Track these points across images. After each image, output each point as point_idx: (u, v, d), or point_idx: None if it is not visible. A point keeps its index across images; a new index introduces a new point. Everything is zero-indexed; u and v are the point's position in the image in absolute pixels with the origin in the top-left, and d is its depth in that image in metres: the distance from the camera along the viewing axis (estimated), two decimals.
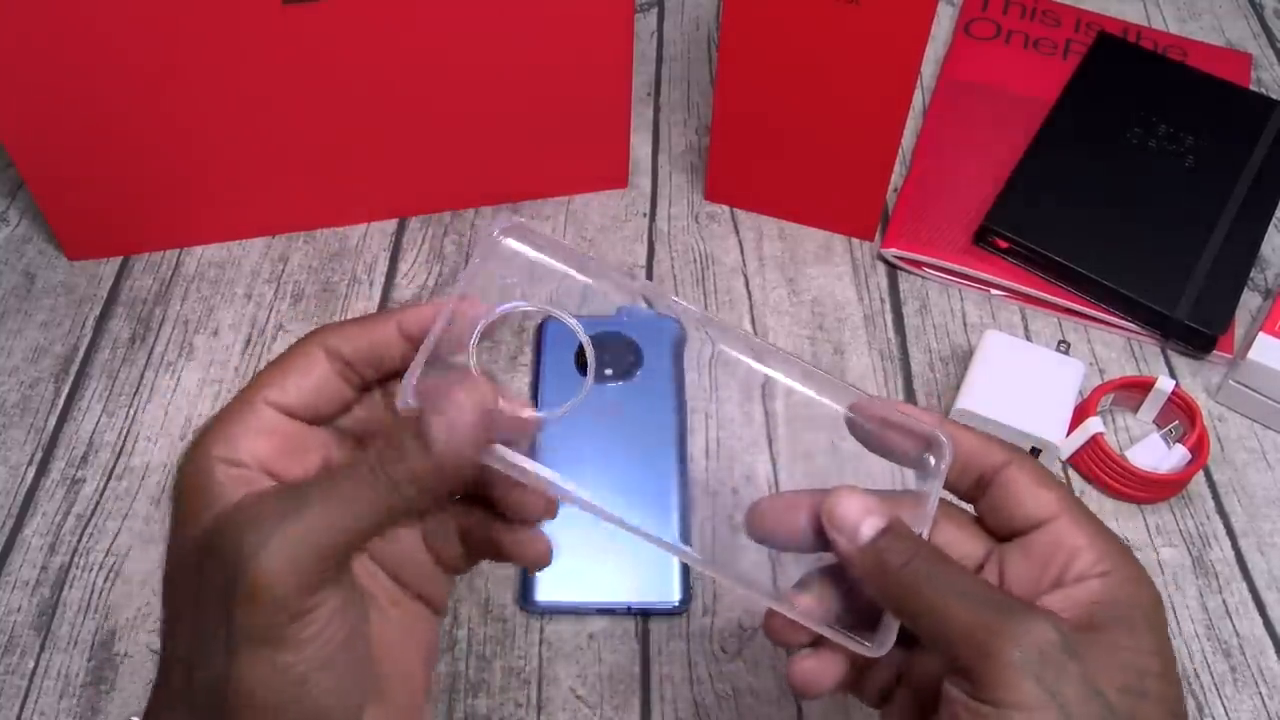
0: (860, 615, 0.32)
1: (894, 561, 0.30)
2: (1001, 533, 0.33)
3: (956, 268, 0.63)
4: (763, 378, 0.35)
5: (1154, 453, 0.56)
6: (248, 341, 0.60)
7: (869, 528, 0.31)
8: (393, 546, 0.33)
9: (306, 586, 0.28)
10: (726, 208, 0.67)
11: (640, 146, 0.70)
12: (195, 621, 0.30)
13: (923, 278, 0.64)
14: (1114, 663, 0.28)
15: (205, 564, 0.29)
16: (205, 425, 0.32)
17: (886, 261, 0.65)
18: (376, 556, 0.33)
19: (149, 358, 0.59)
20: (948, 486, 0.33)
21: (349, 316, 0.61)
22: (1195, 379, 0.60)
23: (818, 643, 0.33)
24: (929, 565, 0.30)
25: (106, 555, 0.51)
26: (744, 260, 0.65)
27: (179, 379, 0.58)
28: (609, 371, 0.54)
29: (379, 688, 0.32)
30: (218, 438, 0.31)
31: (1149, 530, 0.54)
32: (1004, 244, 0.63)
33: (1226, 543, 0.54)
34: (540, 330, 0.58)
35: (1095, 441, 0.55)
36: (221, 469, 0.30)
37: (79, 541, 0.52)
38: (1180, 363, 0.61)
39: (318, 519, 0.28)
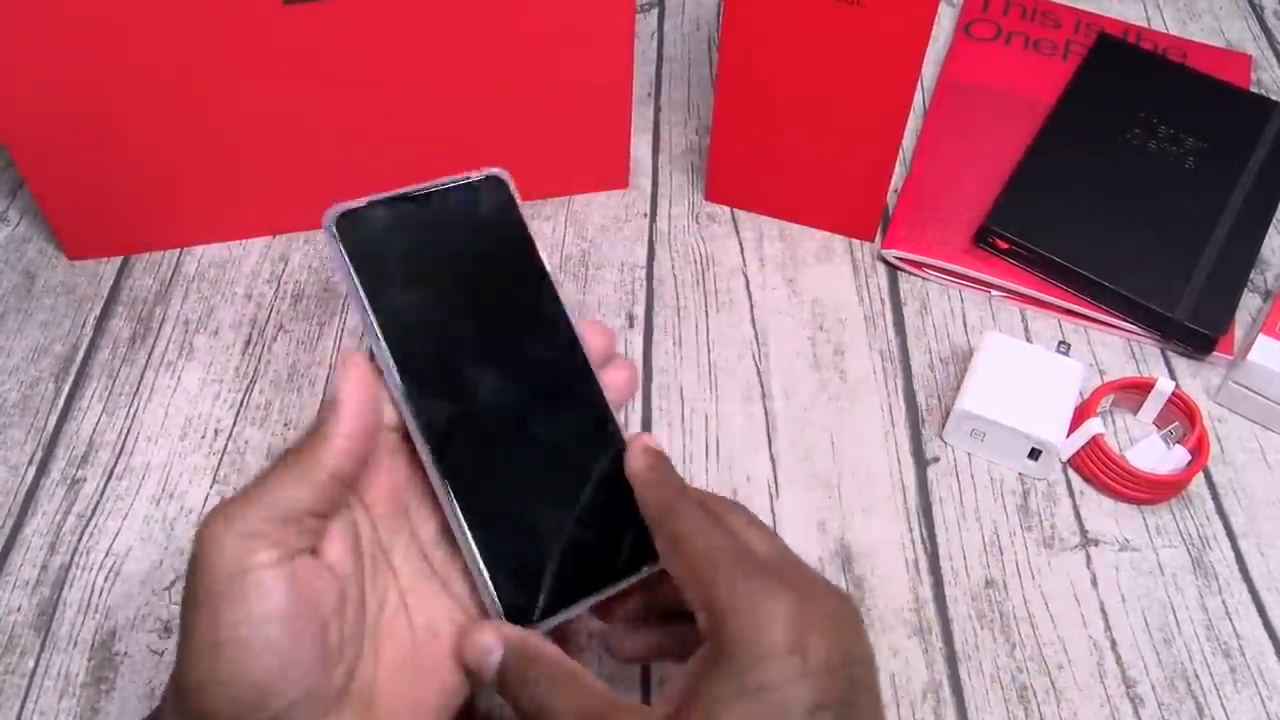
0: None
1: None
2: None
3: (956, 268, 0.63)
4: None
5: (1154, 453, 0.56)
6: (248, 341, 0.60)
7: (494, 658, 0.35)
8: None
9: (245, 549, 0.31)
10: (727, 208, 0.67)
11: (640, 147, 0.70)
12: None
13: (923, 278, 0.64)
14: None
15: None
16: (235, 510, 0.33)
17: (886, 262, 0.65)
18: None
19: (149, 358, 0.59)
20: None
21: (346, 320, 0.61)
22: (1195, 380, 0.60)
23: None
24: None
25: (106, 555, 0.51)
26: (744, 261, 0.65)
27: (179, 379, 0.58)
28: None
29: (366, 697, 0.33)
30: (249, 534, 0.33)
31: (1149, 531, 0.54)
32: (1004, 245, 0.63)
33: (1226, 544, 0.54)
34: None
35: (1095, 442, 0.55)
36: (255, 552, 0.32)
37: (79, 541, 0.52)
38: (1180, 364, 0.61)
39: (256, 493, 0.32)
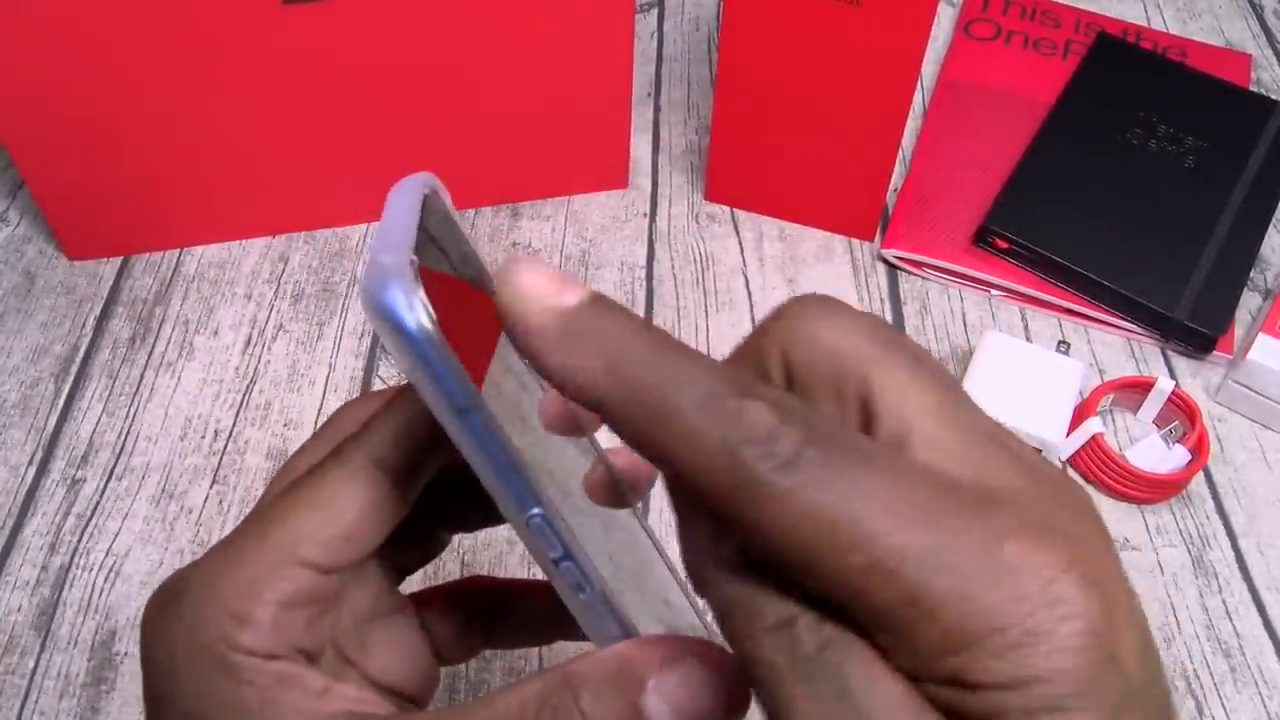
0: None
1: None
2: None
3: (956, 268, 0.63)
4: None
5: (1154, 453, 0.56)
6: (248, 341, 0.60)
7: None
8: (387, 634, 0.27)
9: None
10: (726, 208, 0.67)
11: (640, 146, 0.70)
12: None
13: (923, 278, 0.64)
14: None
15: None
16: (202, 575, 0.24)
17: (886, 262, 0.65)
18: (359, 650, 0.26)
19: (149, 358, 0.59)
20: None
21: (352, 321, 0.61)
22: (1195, 379, 0.60)
23: None
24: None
25: (106, 555, 0.51)
26: (744, 260, 0.65)
27: (179, 379, 0.58)
28: None
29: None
30: (232, 612, 0.23)
31: (1149, 530, 0.54)
32: (1004, 244, 0.63)
33: (1226, 543, 0.54)
34: None
35: (1095, 442, 0.55)
36: (254, 668, 0.23)
37: (79, 541, 0.52)
38: (1180, 363, 0.61)
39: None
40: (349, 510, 0.24)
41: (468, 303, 0.24)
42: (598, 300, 0.20)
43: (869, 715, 0.18)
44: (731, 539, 0.19)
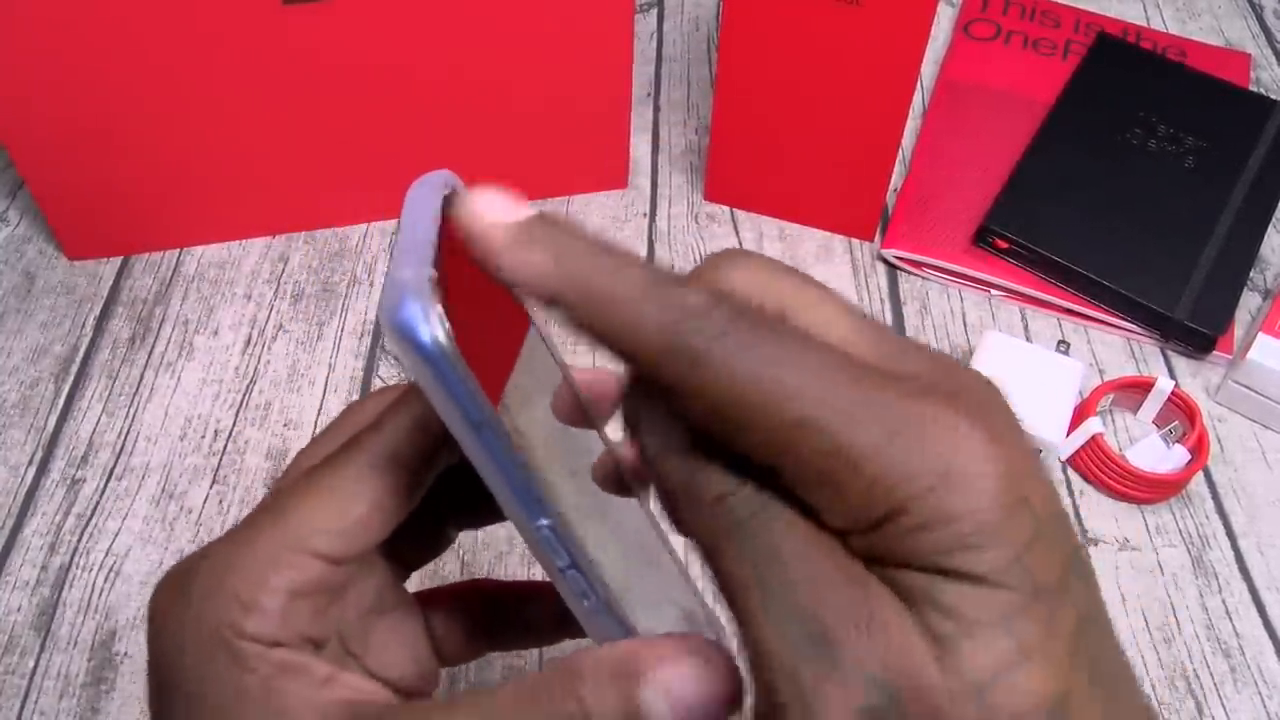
0: None
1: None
2: None
3: (956, 268, 0.63)
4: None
5: (1154, 453, 0.56)
6: (248, 341, 0.60)
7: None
8: (393, 633, 0.27)
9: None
10: (726, 208, 0.67)
11: (640, 146, 0.70)
12: None
13: (923, 278, 0.64)
14: None
15: None
16: (212, 561, 0.24)
17: (886, 262, 0.65)
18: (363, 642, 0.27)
19: (149, 358, 0.59)
20: None
21: (352, 321, 0.61)
22: (1195, 379, 0.60)
23: None
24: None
25: (106, 555, 0.51)
26: None
27: (179, 379, 0.58)
28: None
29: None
30: (240, 598, 0.23)
31: (1149, 530, 0.54)
32: (1004, 244, 0.63)
33: (1226, 543, 0.54)
34: None
35: (1095, 442, 0.55)
36: (257, 655, 0.23)
37: (79, 541, 0.52)
38: (1180, 363, 0.61)
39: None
40: (361, 501, 0.24)
41: (493, 297, 0.24)
42: (546, 215, 0.22)
43: (794, 569, 0.20)
44: (680, 429, 0.21)
